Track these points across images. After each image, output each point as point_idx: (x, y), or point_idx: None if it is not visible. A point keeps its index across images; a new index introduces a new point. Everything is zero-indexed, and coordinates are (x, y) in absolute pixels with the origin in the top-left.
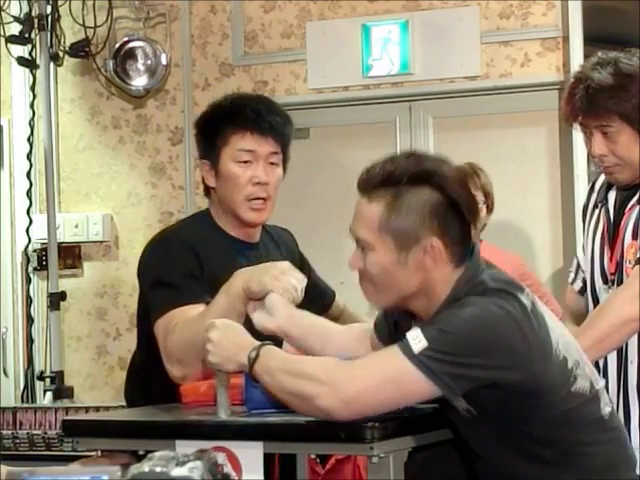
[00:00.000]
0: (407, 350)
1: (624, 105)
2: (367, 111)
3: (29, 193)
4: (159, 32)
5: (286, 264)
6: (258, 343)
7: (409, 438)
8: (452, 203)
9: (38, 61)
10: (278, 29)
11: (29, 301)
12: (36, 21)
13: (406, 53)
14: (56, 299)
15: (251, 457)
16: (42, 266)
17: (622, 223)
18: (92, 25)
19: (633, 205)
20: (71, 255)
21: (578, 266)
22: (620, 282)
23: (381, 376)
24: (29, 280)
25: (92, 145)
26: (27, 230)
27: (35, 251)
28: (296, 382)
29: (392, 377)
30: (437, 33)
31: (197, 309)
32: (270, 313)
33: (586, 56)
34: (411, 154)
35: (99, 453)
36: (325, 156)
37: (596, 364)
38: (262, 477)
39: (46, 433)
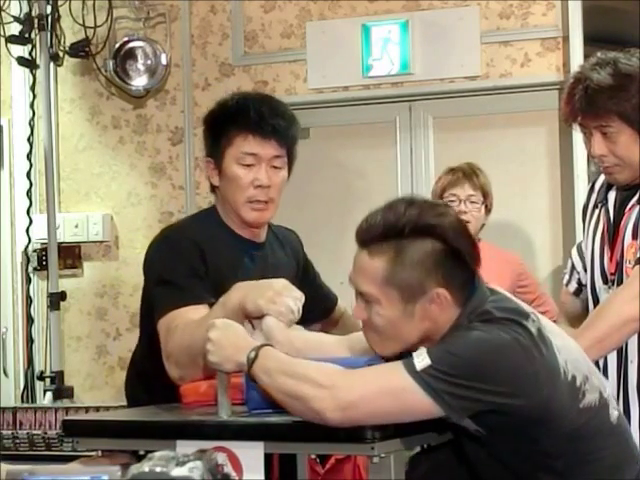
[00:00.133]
0: (410, 367)
1: (624, 105)
2: (367, 111)
3: (29, 193)
4: (159, 32)
5: (282, 283)
6: (257, 344)
7: (410, 438)
8: (454, 252)
9: (38, 61)
10: (278, 29)
11: (29, 301)
12: (36, 21)
13: (406, 53)
14: (56, 299)
15: (252, 457)
16: (42, 266)
17: (622, 223)
18: (92, 25)
19: (633, 205)
20: (71, 255)
21: (573, 267)
22: (620, 282)
23: (380, 387)
24: (29, 280)
25: (92, 145)
26: (27, 230)
27: (35, 251)
28: (294, 383)
29: (391, 390)
30: (437, 33)
31: (199, 310)
32: (266, 337)
33: (586, 56)
34: (411, 202)
35: (99, 453)
36: (325, 156)
37: (596, 364)
38: (263, 477)
39: (46, 433)
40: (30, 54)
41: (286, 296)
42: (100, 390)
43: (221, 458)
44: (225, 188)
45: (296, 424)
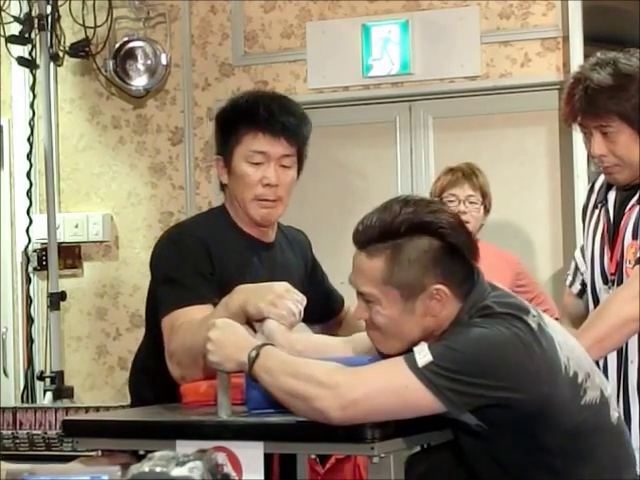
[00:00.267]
0: (412, 363)
1: (623, 105)
2: (367, 111)
3: (29, 193)
4: (159, 32)
5: (284, 286)
6: (258, 343)
7: (410, 438)
8: (452, 247)
9: (38, 61)
10: (278, 29)
11: (29, 301)
12: (36, 21)
13: (406, 53)
14: (56, 299)
15: (251, 457)
16: (42, 266)
17: (622, 223)
18: (92, 25)
19: (633, 205)
20: (71, 255)
21: (576, 268)
22: (620, 282)
23: (382, 385)
24: (29, 280)
25: (92, 145)
26: (27, 230)
27: (35, 251)
28: (296, 383)
29: (393, 387)
30: (437, 33)
31: (204, 310)
32: (267, 340)
33: (586, 56)
34: (406, 201)
35: (99, 453)
36: (325, 156)
37: (596, 364)
38: (262, 477)
39: (46, 433)
40: (30, 54)
41: (287, 299)
42: (100, 390)
43: (221, 458)
44: (234, 186)
45: (296, 424)
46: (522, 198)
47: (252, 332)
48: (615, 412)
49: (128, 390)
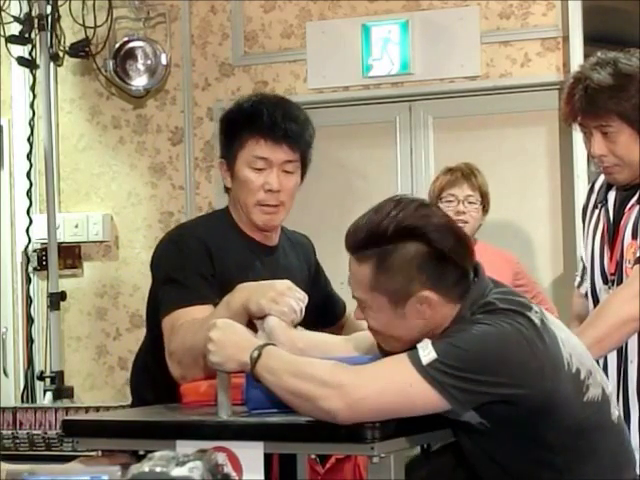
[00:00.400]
0: (416, 361)
1: (623, 105)
2: (367, 111)
3: (29, 193)
4: (159, 32)
5: (286, 283)
6: (260, 343)
7: (410, 438)
8: (439, 253)
9: (38, 61)
10: (278, 29)
11: (29, 301)
12: (36, 21)
13: (406, 53)
14: (56, 299)
15: (251, 457)
16: (42, 266)
17: (622, 223)
18: (92, 25)
19: (633, 205)
20: (71, 255)
21: (584, 269)
22: (620, 282)
23: (387, 383)
24: (29, 280)
25: (92, 145)
26: (27, 230)
27: (35, 251)
28: (299, 383)
29: (398, 385)
30: (437, 33)
31: (204, 310)
32: (268, 337)
33: (586, 56)
34: (397, 204)
35: (99, 453)
36: (325, 156)
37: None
38: (262, 477)
39: (46, 433)
40: (30, 54)
41: (289, 296)
42: (100, 390)
43: (221, 458)
44: (236, 190)
45: (296, 424)
46: (522, 198)
47: (253, 332)
48: (616, 410)
49: (129, 390)
